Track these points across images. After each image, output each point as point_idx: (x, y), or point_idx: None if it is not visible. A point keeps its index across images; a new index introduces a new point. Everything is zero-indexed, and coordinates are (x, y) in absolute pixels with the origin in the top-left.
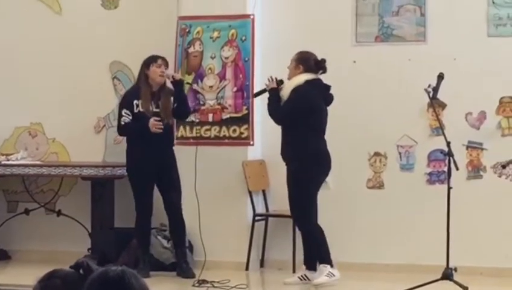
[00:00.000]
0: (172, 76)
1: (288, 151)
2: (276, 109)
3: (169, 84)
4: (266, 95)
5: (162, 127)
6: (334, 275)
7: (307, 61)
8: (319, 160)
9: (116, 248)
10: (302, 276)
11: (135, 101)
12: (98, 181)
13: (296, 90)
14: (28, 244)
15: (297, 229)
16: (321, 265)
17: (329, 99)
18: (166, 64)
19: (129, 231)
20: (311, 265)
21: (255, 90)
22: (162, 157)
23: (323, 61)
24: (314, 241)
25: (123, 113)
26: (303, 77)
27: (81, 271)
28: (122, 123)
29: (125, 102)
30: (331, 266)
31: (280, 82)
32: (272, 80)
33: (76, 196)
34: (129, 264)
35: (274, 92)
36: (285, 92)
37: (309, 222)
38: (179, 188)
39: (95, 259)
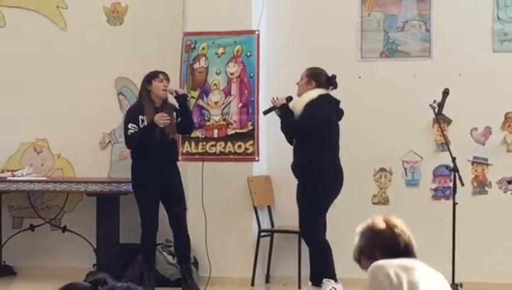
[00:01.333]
0: (176, 91)
1: (301, 167)
2: (289, 125)
3: (171, 100)
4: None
5: (169, 118)
6: None
7: (319, 77)
8: (333, 176)
9: (121, 264)
10: None
11: (140, 117)
12: (104, 197)
13: (311, 105)
14: (33, 261)
15: (304, 244)
16: (325, 279)
17: (340, 114)
18: (168, 79)
19: (134, 247)
20: (317, 281)
21: (264, 109)
22: (167, 173)
23: (334, 77)
24: (320, 256)
25: (129, 127)
26: (316, 92)
27: (99, 287)
28: (129, 134)
29: (130, 117)
30: (335, 281)
31: (289, 98)
32: (275, 100)
33: (82, 211)
34: (134, 280)
35: (285, 108)
36: (298, 108)
37: (317, 238)
38: (184, 203)
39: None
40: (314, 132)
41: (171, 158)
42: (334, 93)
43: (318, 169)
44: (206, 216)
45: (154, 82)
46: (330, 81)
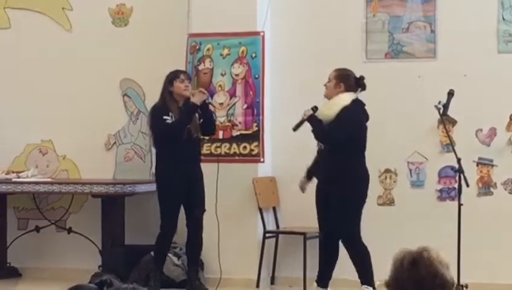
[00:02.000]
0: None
1: (334, 171)
2: (322, 133)
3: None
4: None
5: (206, 93)
6: None
7: (347, 79)
8: (365, 182)
9: (126, 265)
10: None
11: (165, 116)
12: (109, 198)
13: (346, 112)
14: (39, 262)
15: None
16: (363, 286)
17: (367, 117)
18: (189, 78)
19: (140, 248)
20: (323, 283)
21: (293, 125)
22: (191, 174)
23: (363, 78)
24: (362, 261)
25: (164, 118)
26: (349, 97)
27: (104, 289)
28: (168, 123)
29: (159, 112)
30: (374, 288)
31: (315, 108)
32: (304, 114)
33: (87, 213)
34: (139, 282)
35: (313, 119)
36: (330, 112)
37: (358, 242)
38: (203, 205)
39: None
40: (347, 139)
41: (195, 158)
42: None
43: (352, 177)
44: (218, 218)
45: (175, 83)
46: (359, 83)
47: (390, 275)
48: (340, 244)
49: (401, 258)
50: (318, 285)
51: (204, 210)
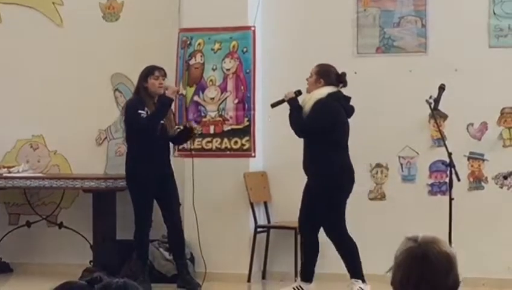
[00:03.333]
0: (187, 126)
1: (311, 167)
2: (297, 121)
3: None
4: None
5: (178, 88)
6: None
7: (328, 75)
8: (343, 175)
9: (118, 260)
10: (296, 287)
11: (140, 111)
12: (100, 193)
13: (319, 104)
14: (30, 257)
15: (300, 240)
16: (352, 279)
17: (350, 111)
18: (164, 75)
19: (131, 243)
20: (306, 276)
21: (272, 101)
22: (163, 169)
23: (344, 74)
24: (348, 254)
25: (139, 112)
26: (325, 90)
27: (95, 286)
28: (143, 117)
29: (135, 107)
30: (363, 281)
31: (298, 92)
32: (286, 94)
33: (78, 208)
34: (131, 276)
35: (294, 103)
36: (307, 106)
37: (342, 234)
38: (178, 200)
39: (97, 271)
40: (321, 132)
41: (167, 155)
42: None
43: (329, 169)
44: (196, 213)
45: (150, 79)
46: (340, 79)
47: (395, 273)
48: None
49: (408, 254)
50: (301, 279)
51: (179, 204)
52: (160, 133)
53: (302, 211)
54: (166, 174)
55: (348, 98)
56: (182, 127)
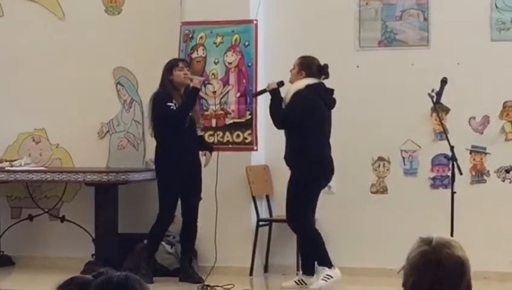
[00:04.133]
0: (196, 81)
1: (290, 157)
2: (276, 113)
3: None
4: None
5: (204, 78)
6: (331, 277)
7: (310, 67)
8: (319, 166)
9: (120, 254)
10: (298, 280)
11: (169, 103)
12: (102, 187)
13: (297, 96)
14: (32, 251)
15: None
16: (319, 267)
17: (331, 103)
18: (188, 66)
19: (133, 236)
20: (307, 270)
21: (256, 91)
22: (192, 162)
23: (326, 66)
24: (312, 244)
25: (168, 105)
26: (304, 82)
27: (97, 279)
28: (173, 108)
29: (163, 99)
30: (329, 267)
31: (281, 83)
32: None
33: (80, 201)
34: (133, 270)
35: (275, 94)
36: (287, 97)
37: (307, 226)
38: (200, 194)
39: (99, 265)
40: (297, 123)
41: (196, 148)
42: (332, 82)
43: (305, 159)
44: (217, 206)
45: (175, 71)
46: (322, 71)
47: (407, 276)
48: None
49: (422, 257)
50: (303, 272)
51: (200, 199)
52: (189, 126)
53: (286, 205)
54: (195, 167)
55: (331, 90)
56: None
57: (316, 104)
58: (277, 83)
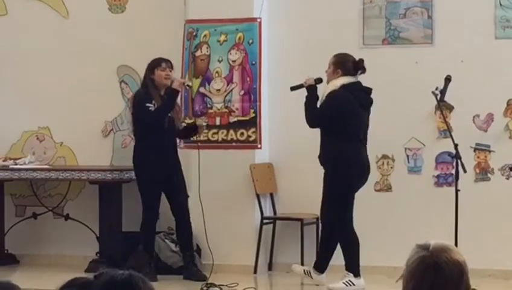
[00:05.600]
0: (178, 82)
1: (323, 156)
2: (310, 111)
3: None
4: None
5: (184, 80)
6: (353, 285)
7: (345, 64)
8: (349, 166)
9: (124, 252)
10: (307, 271)
11: (148, 104)
12: (106, 185)
13: (332, 96)
14: (36, 249)
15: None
16: (346, 271)
17: (367, 103)
18: (171, 66)
19: (137, 234)
20: (319, 267)
21: (292, 85)
22: (170, 162)
23: (362, 61)
24: (346, 247)
25: (147, 105)
26: (340, 81)
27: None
28: (151, 109)
29: (142, 100)
30: (355, 275)
31: (318, 80)
32: (307, 80)
33: (84, 200)
34: (137, 268)
35: (312, 91)
36: (323, 97)
37: (343, 228)
38: (186, 192)
39: (103, 263)
40: (330, 124)
41: (175, 147)
42: None
43: (336, 160)
44: (202, 205)
45: (157, 71)
46: (358, 66)
47: (406, 282)
48: None
49: (420, 262)
50: (314, 267)
51: (187, 196)
52: (168, 126)
53: (322, 202)
54: (174, 166)
55: (368, 90)
56: (189, 122)
57: (348, 104)
58: (315, 80)
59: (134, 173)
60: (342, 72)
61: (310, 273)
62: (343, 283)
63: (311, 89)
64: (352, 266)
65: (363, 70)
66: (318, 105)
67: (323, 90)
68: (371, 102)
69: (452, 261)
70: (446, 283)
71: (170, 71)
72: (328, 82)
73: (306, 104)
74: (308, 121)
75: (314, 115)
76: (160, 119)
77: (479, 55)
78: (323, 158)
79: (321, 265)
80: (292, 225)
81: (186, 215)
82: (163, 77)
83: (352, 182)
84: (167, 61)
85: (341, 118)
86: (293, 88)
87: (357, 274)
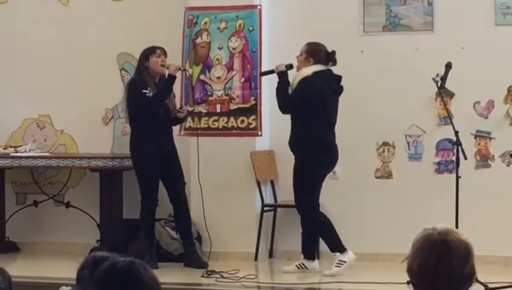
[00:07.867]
0: (174, 67)
1: (294, 142)
2: (282, 97)
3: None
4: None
5: (180, 65)
6: (344, 262)
7: (317, 54)
8: (322, 152)
9: (124, 239)
10: (299, 265)
11: (145, 90)
12: (107, 173)
13: (303, 82)
14: (37, 236)
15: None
16: (332, 254)
17: (338, 90)
18: (165, 54)
19: (138, 222)
20: (308, 254)
21: (264, 70)
22: (167, 149)
23: (334, 53)
24: (320, 231)
25: (143, 92)
26: (311, 69)
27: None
28: (148, 96)
29: (138, 86)
30: (342, 251)
31: (289, 66)
32: (277, 66)
33: (85, 187)
34: (138, 255)
35: (283, 76)
36: (294, 83)
37: (313, 212)
38: (183, 179)
39: (104, 251)
40: (302, 109)
41: (170, 134)
42: (336, 67)
43: (307, 145)
44: (202, 192)
45: (151, 58)
46: (329, 58)
47: (412, 259)
48: None
49: (427, 239)
50: (304, 256)
51: (184, 183)
52: (163, 113)
53: (294, 192)
54: (170, 153)
55: (338, 77)
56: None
57: (322, 91)
58: (286, 66)
59: (131, 160)
60: (313, 61)
61: (303, 265)
62: (335, 265)
63: (283, 75)
64: (335, 244)
65: (334, 62)
66: (289, 91)
67: (293, 76)
68: (341, 89)
69: (459, 240)
70: (453, 259)
71: (165, 58)
72: (298, 69)
73: (278, 89)
74: (280, 106)
75: (287, 100)
76: (157, 106)
77: (479, 42)
78: (294, 144)
79: (310, 252)
80: (293, 212)
81: (184, 203)
82: (159, 63)
83: (322, 167)
84: (161, 48)
85: (314, 103)
86: (263, 73)
87: (342, 250)
